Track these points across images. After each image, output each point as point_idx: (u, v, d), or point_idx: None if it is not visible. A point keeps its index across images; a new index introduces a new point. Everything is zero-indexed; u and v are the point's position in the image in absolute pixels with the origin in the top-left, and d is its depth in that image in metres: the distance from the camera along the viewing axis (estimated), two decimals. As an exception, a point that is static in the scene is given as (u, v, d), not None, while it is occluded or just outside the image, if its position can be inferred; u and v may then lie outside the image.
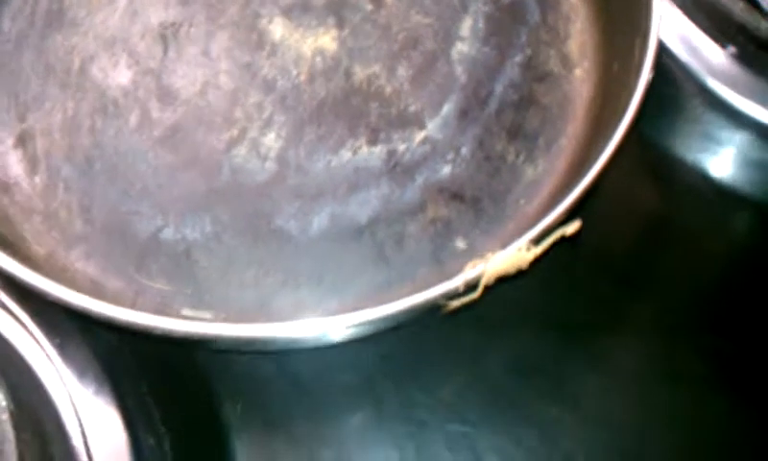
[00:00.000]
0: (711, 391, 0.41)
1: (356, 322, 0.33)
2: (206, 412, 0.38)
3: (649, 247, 0.43)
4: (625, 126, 0.36)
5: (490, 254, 0.33)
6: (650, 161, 0.44)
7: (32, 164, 0.41)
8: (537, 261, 0.34)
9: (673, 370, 0.41)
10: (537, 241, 0.34)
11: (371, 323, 0.33)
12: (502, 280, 0.34)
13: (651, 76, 0.38)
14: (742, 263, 0.44)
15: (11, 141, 0.42)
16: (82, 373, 0.34)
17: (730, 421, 0.40)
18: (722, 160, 0.44)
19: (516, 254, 0.33)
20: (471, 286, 0.34)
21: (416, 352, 0.41)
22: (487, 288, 0.34)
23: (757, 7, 0.42)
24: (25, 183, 0.41)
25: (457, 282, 0.33)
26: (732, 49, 0.43)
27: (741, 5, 0.41)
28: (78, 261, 0.40)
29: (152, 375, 0.38)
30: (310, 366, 0.40)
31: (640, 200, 0.44)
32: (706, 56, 0.44)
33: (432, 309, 0.34)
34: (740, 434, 0.40)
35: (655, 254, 0.43)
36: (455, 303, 0.34)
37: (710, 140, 0.44)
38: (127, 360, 0.38)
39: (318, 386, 0.40)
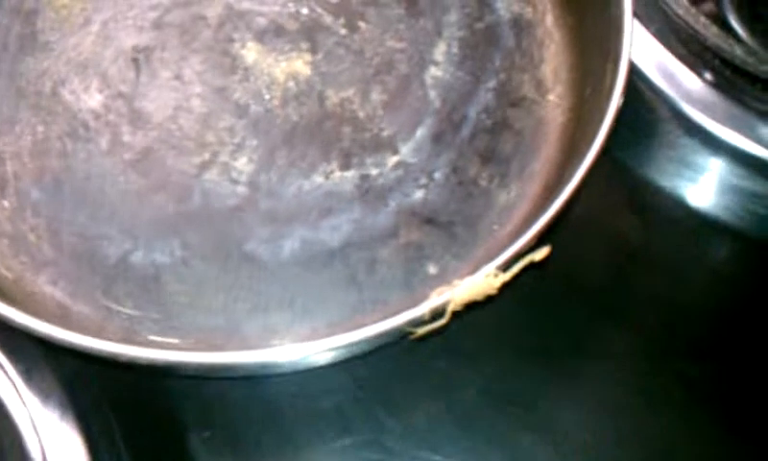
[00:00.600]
0: (689, 417, 0.41)
1: (319, 349, 0.32)
2: (174, 439, 0.38)
3: (624, 273, 0.43)
4: (595, 151, 0.36)
5: (457, 282, 0.33)
6: (626, 187, 0.44)
7: (0, 187, 0.41)
8: (506, 287, 0.34)
9: (650, 396, 0.41)
10: (505, 267, 0.34)
11: (335, 349, 0.33)
12: (471, 307, 0.34)
13: (621, 100, 0.38)
14: (718, 289, 0.43)
15: (-20, 165, 0.42)
16: (46, 398, 0.34)
17: (708, 447, 0.40)
18: (698, 186, 0.44)
19: (484, 281, 0.33)
20: (439, 313, 0.33)
21: (388, 379, 0.41)
22: (455, 315, 0.34)
23: (731, 32, 0.42)
24: (-7, 207, 0.41)
25: (423, 310, 0.33)
26: (707, 75, 0.44)
27: (715, 30, 0.41)
28: (46, 285, 0.39)
29: (118, 400, 0.38)
30: (281, 392, 0.40)
31: (616, 226, 0.44)
32: (681, 82, 0.44)
33: (399, 336, 0.34)
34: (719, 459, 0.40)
35: (630, 280, 0.43)
36: (422, 330, 0.33)
37: (687, 166, 0.44)
38: (92, 386, 0.37)
39: (288, 413, 0.40)
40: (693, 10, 0.41)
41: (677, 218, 0.44)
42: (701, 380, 0.41)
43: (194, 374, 0.39)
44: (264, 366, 0.34)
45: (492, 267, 0.33)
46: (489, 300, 0.34)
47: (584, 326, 0.42)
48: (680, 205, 0.44)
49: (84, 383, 0.37)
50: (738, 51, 0.41)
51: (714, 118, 0.44)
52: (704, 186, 0.44)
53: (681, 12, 0.41)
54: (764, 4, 0.41)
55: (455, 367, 0.40)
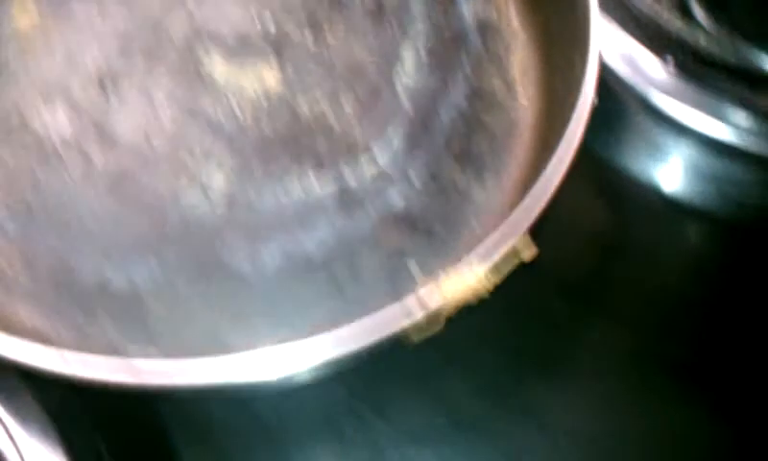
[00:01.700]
0: (677, 404, 0.41)
1: (311, 356, 0.32)
2: (162, 458, 0.37)
3: (602, 264, 0.43)
4: (575, 146, 0.36)
5: (441, 274, 0.33)
6: (599, 178, 0.45)
7: (-28, 222, 0.40)
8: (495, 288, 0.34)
9: (637, 385, 0.41)
10: (493, 267, 0.34)
11: (326, 364, 0.32)
12: (464, 310, 0.34)
13: (594, 93, 0.38)
14: (698, 274, 0.44)
15: (-51, 198, 0.41)
16: (27, 420, 0.33)
17: (697, 433, 0.40)
18: (670, 173, 0.45)
19: (475, 282, 0.33)
20: (434, 319, 0.33)
21: (378, 383, 0.40)
22: (449, 318, 0.34)
23: (695, 21, 0.43)
24: (-35, 240, 0.40)
25: (418, 316, 0.32)
26: (673, 64, 0.44)
27: (678, 22, 0.42)
28: (25, 316, 0.38)
29: (103, 421, 0.37)
30: (270, 407, 0.39)
31: (592, 218, 0.44)
32: (647, 71, 0.44)
33: (394, 344, 0.34)
34: (708, 445, 0.40)
35: (608, 270, 0.43)
36: (416, 338, 0.33)
37: (658, 153, 0.45)
38: (77, 410, 0.37)
39: (278, 425, 0.39)
40: (656, 4, 0.42)
41: (651, 205, 0.44)
42: (686, 366, 0.41)
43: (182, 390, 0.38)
44: (255, 377, 0.33)
45: (474, 257, 0.33)
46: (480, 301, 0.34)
47: (565, 319, 0.42)
48: (653, 192, 0.44)
49: (68, 403, 0.36)
50: (702, 40, 0.42)
51: (682, 105, 0.44)
52: (676, 172, 0.45)
53: (644, 8, 0.42)
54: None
55: (445, 367, 0.40)
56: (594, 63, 0.39)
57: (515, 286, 0.42)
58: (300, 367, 0.32)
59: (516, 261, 0.33)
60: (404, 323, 0.32)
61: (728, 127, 0.43)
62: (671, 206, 0.44)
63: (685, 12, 0.43)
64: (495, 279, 0.33)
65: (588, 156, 0.44)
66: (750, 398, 0.40)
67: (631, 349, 0.42)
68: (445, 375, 0.40)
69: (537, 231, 0.34)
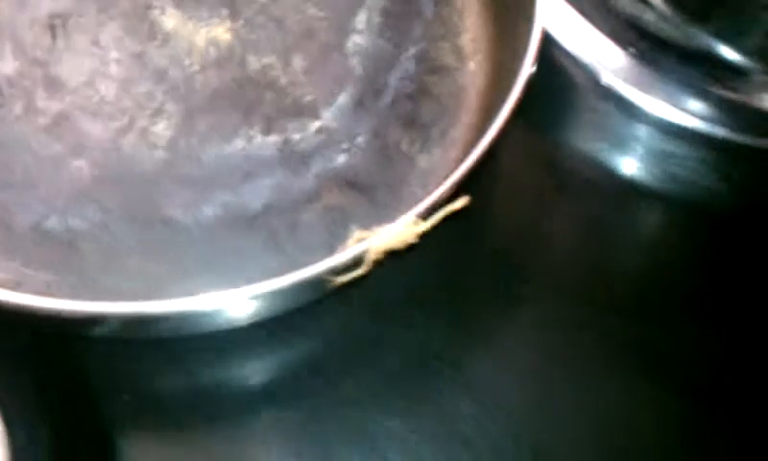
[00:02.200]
0: (613, 376, 0.41)
1: (238, 297, 0.32)
2: (92, 405, 0.37)
3: (545, 236, 0.44)
4: (511, 103, 0.36)
5: (376, 228, 0.33)
6: (547, 154, 0.45)
7: None
8: (426, 237, 0.34)
9: (573, 356, 0.41)
10: (425, 217, 0.34)
11: (254, 298, 0.33)
12: (392, 256, 0.34)
13: (534, 63, 0.38)
14: (640, 250, 0.44)
15: None
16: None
17: (638, 407, 0.40)
18: (619, 151, 0.45)
19: (404, 229, 0.33)
20: (359, 261, 0.33)
21: (313, 345, 0.41)
22: (377, 264, 0.34)
23: (648, 3, 0.43)
24: None
25: (343, 257, 0.33)
26: (627, 45, 0.44)
27: (632, 1, 0.42)
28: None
29: (36, 377, 0.37)
30: (202, 360, 0.39)
31: (539, 194, 0.44)
32: (601, 52, 0.45)
33: (321, 287, 0.34)
34: (667, 422, 0.40)
35: (555, 244, 0.44)
36: (342, 279, 0.33)
37: (608, 133, 0.45)
38: (8, 360, 0.36)
39: (215, 382, 0.39)
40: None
41: (599, 182, 0.44)
42: (625, 339, 0.42)
43: (111, 330, 0.38)
44: (182, 317, 0.33)
45: (411, 216, 0.34)
46: (409, 249, 0.34)
47: (506, 287, 0.43)
48: (601, 169, 0.45)
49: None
50: (655, 21, 0.42)
51: (634, 86, 0.45)
52: (624, 151, 0.45)
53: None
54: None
55: (380, 331, 0.40)
56: (537, 33, 0.39)
57: (453, 250, 0.43)
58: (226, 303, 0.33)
59: (446, 211, 0.34)
60: (328, 262, 0.32)
61: (676, 108, 0.44)
62: (618, 182, 0.44)
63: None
64: (425, 227, 0.33)
65: (535, 132, 0.45)
66: (691, 366, 0.41)
67: (566, 319, 0.42)
68: (382, 339, 0.40)
69: (469, 186, 0.34)
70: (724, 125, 0.43)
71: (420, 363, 0.40)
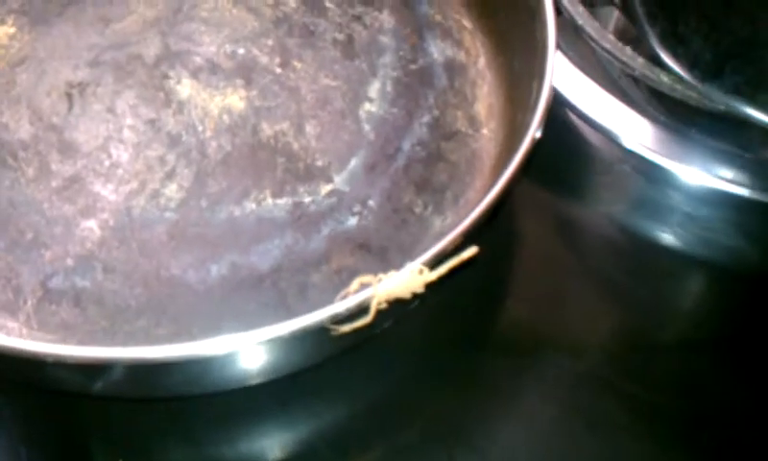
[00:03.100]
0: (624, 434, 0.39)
1: (238, 345, 0.31)
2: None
3: (558, 295, 0.42)
4: (516, 163, 0.36)
5: (381, 275, 0.32)
6: (561, 215, 0.44)
7: None
8: (434, 287, 0.33)
9: (589, 417, 0.39)
10: (432, 266, 0.33)
11: (258, 347, 0.31)
12: (397, 305, 0.33)
13: (540, 128, 0.38)
14: (657, 307, 0.42)
15: None
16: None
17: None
18: (635, 209, 0.44)
19: (409, 277, 0.32)
20: (364, 310, 0.32)
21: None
22: (382, 314, 0.32)
23: (657, 61, 0.43)
24: None
25: (347, 304, 0.32)
26: (638, 104, 0.44)
27: (642, 60, 0.42)
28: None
29: (29, 430, 0.35)
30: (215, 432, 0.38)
31: (553, 252, 0.43)
32: (613, 113, 0.44)
33: (325, 339, 0.33)
34: None
35: (564, 302, 0.43)
36: (344, 329, 0.32)
37: (622, 191, 0.44)
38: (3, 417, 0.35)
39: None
40: (620, 43, 0.42)
41: (623, 245, 0.43)
42: (632, 396, 0.40)
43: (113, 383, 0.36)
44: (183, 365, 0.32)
45: (417, 264, 0.33)
46: (415, 298, 0.33)
47: (521, 346, 0.41)
48: (618, 228, 0.44)
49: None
50: (670, 83, 0.42)
51: (653, 150, 0.44)
52: (639, 209, 0.45)
53: (608, 45, 0.42)
54: (684, 23, 0.41)
55: (394, 399, 0.39)
56: (544, 99, 0.38)
57: (472, 319, 0.42)
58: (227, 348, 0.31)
59: (454, 260, 0.33)
60: (332, 310, 0.31)
61: (704, 172, 0.43)
62: (635, 241, 0.43)
63: (648, 53, 0.43)
64: (431, 277, 0.32)
65: (550, 193, 0.45)
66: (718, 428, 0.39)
67: (584, 379, 0.40)
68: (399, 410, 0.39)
69: (476, 236, 0.33)
70: (750, 186, 0.42)
71: (437, 434, 0.39)
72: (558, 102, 0.47)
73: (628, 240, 0.43)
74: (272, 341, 0.31)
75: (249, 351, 0.32)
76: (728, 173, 0.43)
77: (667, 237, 0.44)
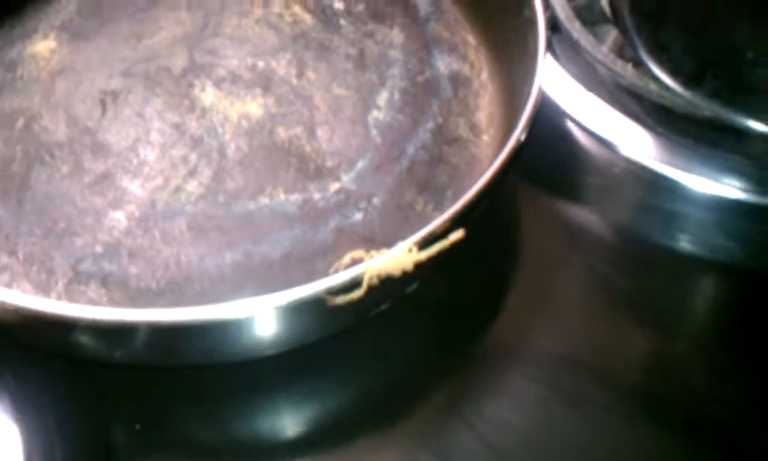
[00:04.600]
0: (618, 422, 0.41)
1: (244, 310, 0.34)
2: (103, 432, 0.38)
3: (558, 295, 0.45)
4: (503, 157, 0.39)
5: (374, 252, 0.35)
6: (569, 225, 0.47)
7: (-35, 205, 0.44)
8: (423, 267, 0.36)
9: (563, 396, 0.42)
10: (422, 246, 0.36)
11: (263, 314, 0.35)
12: (388, 282, 0.36)
13: (524, 132, 0.41)
14: (631, 298, 0.45)
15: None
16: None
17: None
18: (631, 212, 0.46)
19: (400, 255, 0.35)
20: (357, 283, 0.35)
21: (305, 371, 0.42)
22: (374, 289, 0.35)
23: (646, 70, 0.45)
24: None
25: (341, 278, 0.35)
26: (631, 111, 0.46)
27: (632, 70, 0.45)
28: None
29: (54, 396, 0.39)
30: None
31: (550, 252, 0.46)
32: (607, 120, 0.47)
33: (322, 307, 0.36)
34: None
35: (564, 302, 0.45)
36: (338, 300, 0.35)
37: (618, 194, 0.47)
38: (31, 383, 0.39)
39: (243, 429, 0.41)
40: (612, 54, 0.45)
41: (616, 241, 0.46)
42: (626, 385, 0.42)
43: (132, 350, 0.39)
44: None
45: (408, 243, 0.35)
46: (406, 276, 0.36)
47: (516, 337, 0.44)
48: (616, 229, 0.46)
49: (24, 380, 0.38)
50: (658, 91, 0.45)
51: (649, 155, 0.46)
52: (637, 213, 0.47)
53: (600, 56, 0.45)
54: (666, 32, 0.44)
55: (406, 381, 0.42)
56: (531, 105, 0.41)
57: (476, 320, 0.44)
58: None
59: (444, 243, 0.35)
60: (326, 282, 0.34)
61: (698, 176, 0.45)
62: (634, 243, 0.46)
63: (639, 64, 0.45)
64: (421, 256, 0.35)
65: (550, 198, 0.48)
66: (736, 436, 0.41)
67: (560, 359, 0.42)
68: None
69: (465, 221, 0.36)
70: (747, 190, 0.44)
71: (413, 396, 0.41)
72: (559, 113, 0.50)
73: (627, 241, 0.46)
74: (275, 309, 0.34)
75: (256, 317, 0.35)
76: (724, 178, 0.45)
77: (664, 239, 0.46)
